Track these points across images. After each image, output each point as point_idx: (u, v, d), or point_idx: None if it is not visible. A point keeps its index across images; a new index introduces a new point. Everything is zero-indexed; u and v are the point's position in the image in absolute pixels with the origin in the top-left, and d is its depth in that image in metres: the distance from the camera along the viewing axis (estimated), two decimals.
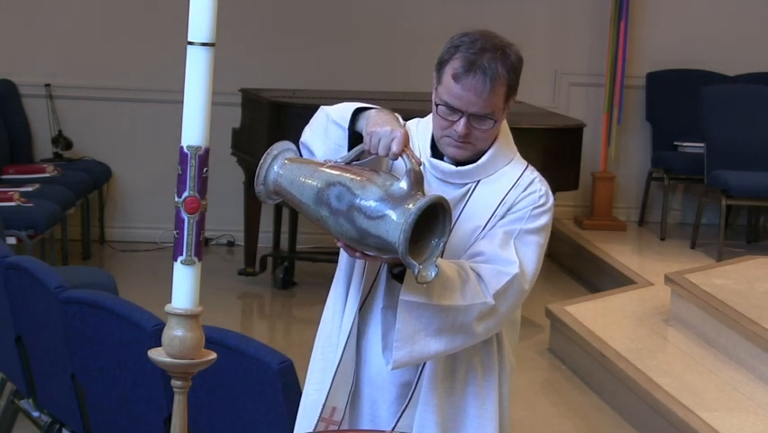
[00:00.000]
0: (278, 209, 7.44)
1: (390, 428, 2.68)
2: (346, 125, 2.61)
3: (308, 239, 7.87)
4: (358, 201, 2.38)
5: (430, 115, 2.79)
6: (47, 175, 7.40)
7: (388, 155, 2.49)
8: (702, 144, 7.81)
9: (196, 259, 1.90)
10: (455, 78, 2.62)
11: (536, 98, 7.90)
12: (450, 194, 2.69)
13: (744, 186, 7.45)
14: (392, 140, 2.47)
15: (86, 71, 8.10)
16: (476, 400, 2.73)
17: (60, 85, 8.10)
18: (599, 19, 8.42)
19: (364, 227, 2.37)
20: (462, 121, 2.64)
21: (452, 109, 2.64)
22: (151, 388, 3.02)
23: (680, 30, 8.49)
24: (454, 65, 2.63)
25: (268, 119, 6.98)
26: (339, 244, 2.52)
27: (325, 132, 2.67)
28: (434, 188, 2.70)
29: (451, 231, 2.51)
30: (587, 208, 8.45)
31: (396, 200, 2.39)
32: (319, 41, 8.18)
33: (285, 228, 7.45)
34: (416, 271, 2.37)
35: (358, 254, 2.51)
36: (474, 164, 2.72)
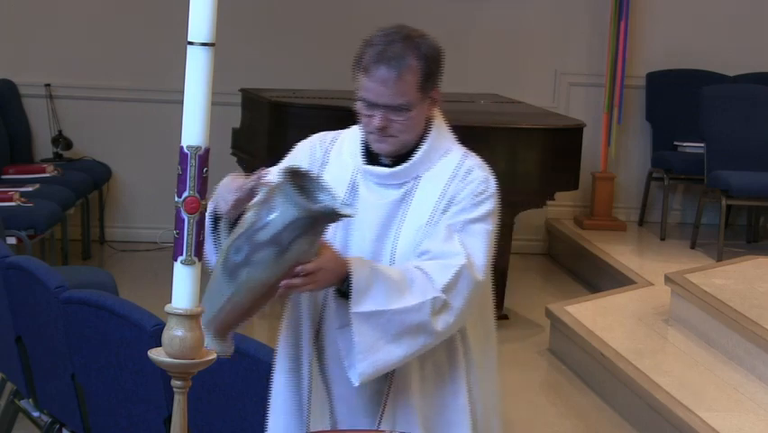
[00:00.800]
0: None
1: None
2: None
3: None
4: (248, 234, 2.34)
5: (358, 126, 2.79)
6: (47, 175, 7.40)
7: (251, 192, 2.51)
8: (702, 144, 7.81)
9: (196, 259, 1.90)
10: (365, 71, 2.65)
11: (536, 98, 7.90)
12: (390, 196, 2.70)
13: (744, 186, 7.45)
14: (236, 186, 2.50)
15: (86, 71, 8.10)
16: (450, 394, 2.73)
17: (60, 85, 8.10)
18: (599, 19, 8.42)
19: (272, 236, 2.32)
20: (378, 114, 2.65)
21: (368, 104, 2.66)
22: (151, 388, 3.02)
23: (680, 30, 8.49)
24: (364, 60, 2.66)
25: (268, 119, 6.97)
26: (282, 290, 2.46)
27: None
28: (374, 194, 2.71)
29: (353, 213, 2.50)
30: (587, 208, 8.45)
31: (266, 203, 2.38)
32: (319, 41, 8.18)
33: None
34: (338, 206, 2.35)
35: (299, 282, 2.45)
36: (409, 162, 2.71)
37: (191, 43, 1.85)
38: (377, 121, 2.65)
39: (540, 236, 8.46)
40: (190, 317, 1.91)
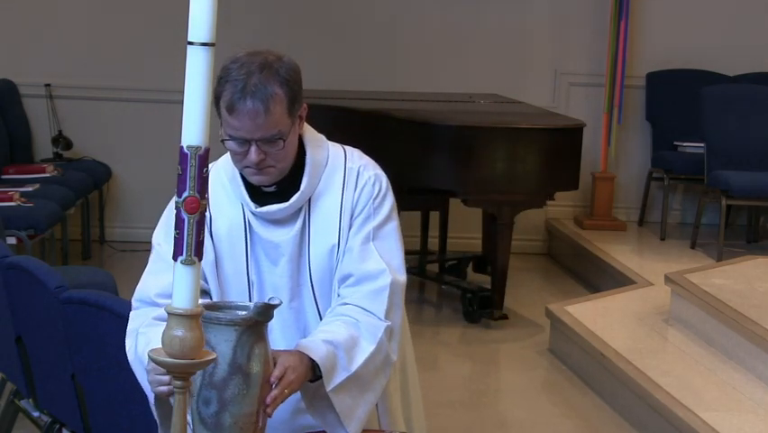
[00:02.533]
0: None
1: None
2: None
3: None
4: (205, 382, 2.25)
5: (226, 164, 2.71)
6: (47, 175, 7.40)
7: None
8: (702, 144, 7.80)
9: (196, 259, 1.90)
10: (229, 110, 2.54)
11: (536, 98, 7.90)
12: (291, 231, 2.67)
13: (744, 186, 7.45)
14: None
15: (86, 71, 8.10)
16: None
17: (60, 85, 8.10)
18: (599, 19, 8.42)
19: (228, 366, 2.23)
20: (253, 149, 2.57)
21: (239, 141, 2.57)
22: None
23: (680, 30, 8.49)
24: (225, 98, 2.54)
25: None
26: (270, 409, 2.37)
27: None
28: (274, 233, 2.66)
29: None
30: (587, 208, 8.45)
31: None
32: (319, 41, 8.18)
33: None
34: (262, 302, 2.28)
35: (278, 392, 2.38)
36: (299, 192, 2.66)
37: (191, 43, 1.85)
38: (253, 156, 2.57)
39: (540, 236, 8.46)
40: (190, 317, 1.91)
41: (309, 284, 2.68)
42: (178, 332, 1.90)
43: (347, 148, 2.78)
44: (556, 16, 8.45)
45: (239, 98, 2.52)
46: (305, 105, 2.66)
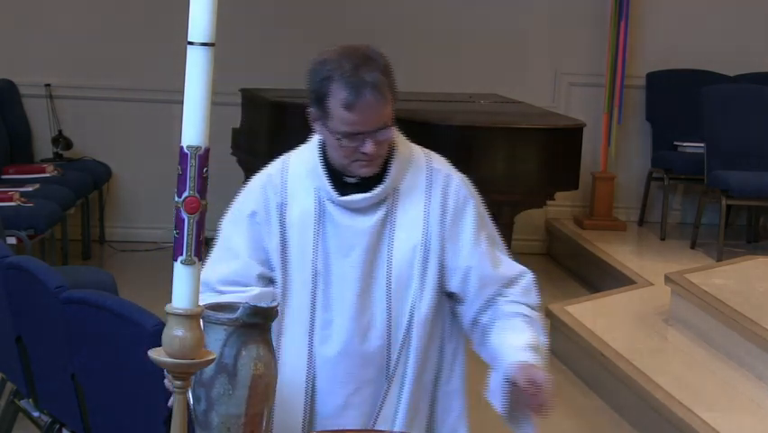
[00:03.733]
0: None
1: None
2: None
3: None
4: (196, 380, 2.23)
5: (309, 150, 2.76)
6: (47, 175, 7.40)
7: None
8: (702, 144, 7.81)
9: (196, 259, 1.90)
10: (348, 107, 2.59)
11: (536, 98, 7.90)
12: (370, 220, 2.69)
13: (744, 186, 7.45)
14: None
15: (86, 71, 8.10)
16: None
17: (60, 85, 8.10)
18: (599, 19, 8.42)
19: (215, 366, 2.21)
20: (368, 142, 2.61)
21: (353, 135, 2.61)
22: (151, 388, 3.01)
23: (680, 30, 8.49)
24: (340, 96, 2.59)
25: (268, 119, 6.98)
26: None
27: None
28: (354, 220, 2.69)
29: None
30: (587, 208, 8.45)
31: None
32: (319, 41, 8.12)
33: None
34: (256, 304, 2.28)
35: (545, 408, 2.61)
36: (386, 181, 2.69)
37: (191, 43, 1.85)
38: (369, 148, 2.61)
39: (540, 236, 8.46)
40: (190, 317, 1.91)
41: (386, 278, 2.69)
42: (178, 332, 1.90)
43: (425, 149, 2.81)
44: (556, 16, 8.45)
45: (357, 94, 2.58)
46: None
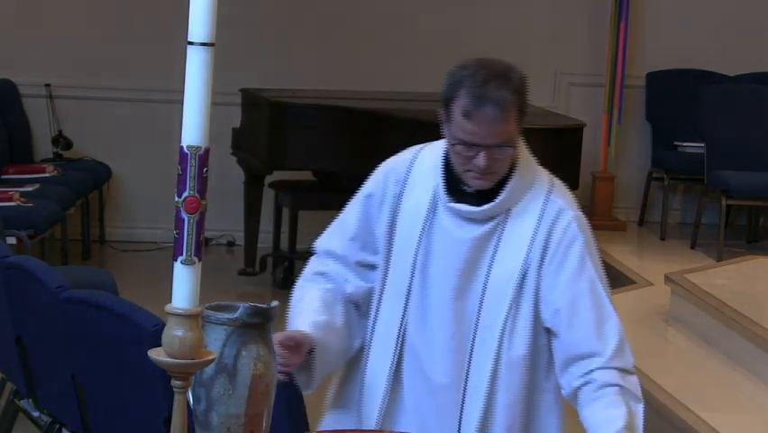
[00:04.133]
0: (278, 209, 7.43)
1: None
2: None
3: (308, 239, 7.84)
4: (197, 379, 2.20)
5: (439, 147, 2.77)
6: (47, 175, 7.40)
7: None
8: (702, 144, 7.81)
9: (196, 259, 1.90)
10: (466, 115, 2.60)
11: (536, 98, 7.84)
12: (476, 231, 2.69)
13: (744, 186, 7.45)
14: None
15: (86, 71, 8.10)
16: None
17: (60, 85, 8.10)
18: (599, 19, 8.42)
19: (215, 365, 2.19)
20: (482, 155, 2.62)
21: (469, 145, 2.62)
22: (151, 388, 3.01)
23: (680, 30, 8.49)
24: (462, 103, 2.61)
25: (268, 119, 6.97)
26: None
27: None
28: (459, 229, 2.70)
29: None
30: (587, 208, 8.42)
31: None
32: (319, 41, 8.18)
33: (285, 228, 7.45)
34: (256, 305, 2.30)
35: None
36: (496, 201, 2.69)
37: (191, 43, 1.84)
38: (482, 162, 2.62)
39: None
40: (190, 317, 1.91)
41: (480, 293, 2.69)
42: (178, 332, 1.90)
43: (555, 179, 2.81)
44: (556, 16, 8.45)
45: (477, 105, 2.59)
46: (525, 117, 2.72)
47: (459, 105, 2.61)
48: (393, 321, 2.75)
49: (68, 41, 8.09)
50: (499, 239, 2.70)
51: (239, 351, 2.21)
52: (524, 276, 2.68)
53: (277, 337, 2.50)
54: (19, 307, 3.73)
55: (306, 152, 6.86)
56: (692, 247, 7.75)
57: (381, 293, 2.78)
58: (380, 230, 2.79)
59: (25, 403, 3.93)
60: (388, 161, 2.86)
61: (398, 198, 2.78)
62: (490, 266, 2.68)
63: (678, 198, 8.65)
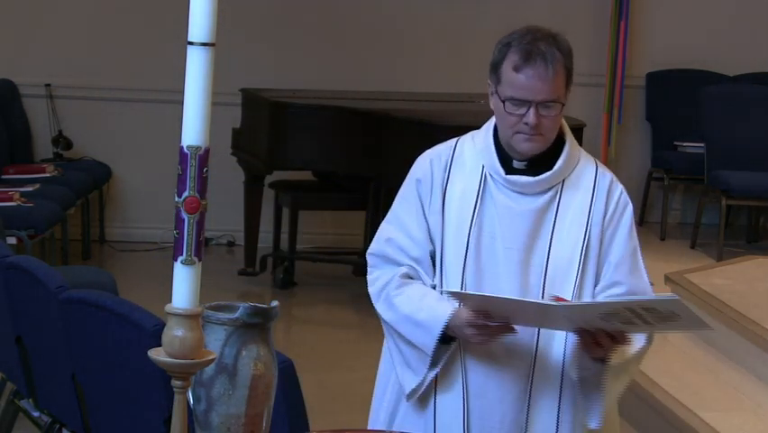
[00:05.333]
0: (278, 209, 7.43)
1: None
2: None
3: (308, 239, 7.87)
4: (197, 380, 2.19)
5: (484, 130, 2.79)
6: (47, 175, 7.40)
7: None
8: (702, 144, 7.81)
9: (196, 259, 1.90)
10: (516, 69, 2.64)
11: None
12: (534, 203, 2.71)
13: (744, 186, 7.45)
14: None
15: (86, 71, 8.10)
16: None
17: (60, 85, 8.10)
18: (599, 19, 8.42)
19: (215, 366, 2.17)
20: (531, 111, 2.64)
21: (519, 102, 2.65)
22: (151, 388, 3.02)
23: (680, 30, 8.49)
24: (512, 58, 2.65)
25: (268, 119, 6.97)
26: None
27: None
28: (516, 202, 2.72)
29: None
30: None
31: None
32: (319, 41, 8.18)
33: (285, 228, 7.45)
34: (256, 305, 2.30)
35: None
36: (551, 171, 2.72)
37: (191, 43, 1.84)
38: (531, 118, 2.64)
39: None
40: (190, 317, 1.91)
41: (542, 265, 2.72)
42: (178, 332, 1.90)
43: (597, 161, 2.88)
44: (556, 16, 8.44)
45: (527, 59, 2.62)
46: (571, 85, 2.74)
47: (509, 62, 2.65)
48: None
49: (68, 41, 8.09)
50: (557, 211, 2.73)
51: (239, 351, 2.21)
52: (587, 248, 2.73)
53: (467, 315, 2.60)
54: (19, 307, 3.73)
55: (306, 152, 6.86)
56: (692, 247, 7.75)
57: (440, 284, 2.76)
58: (432, 218, 2.78)
59: (25, 403, 3.93)
60: (429, 150, 2.86)
61: (445, 184, 2.78)
62: (550, 240, 2.70)
63: (678, 198, 8.66)
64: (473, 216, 2.73)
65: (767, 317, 5.29)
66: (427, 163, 2.82)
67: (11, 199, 6.56)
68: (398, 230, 2.81)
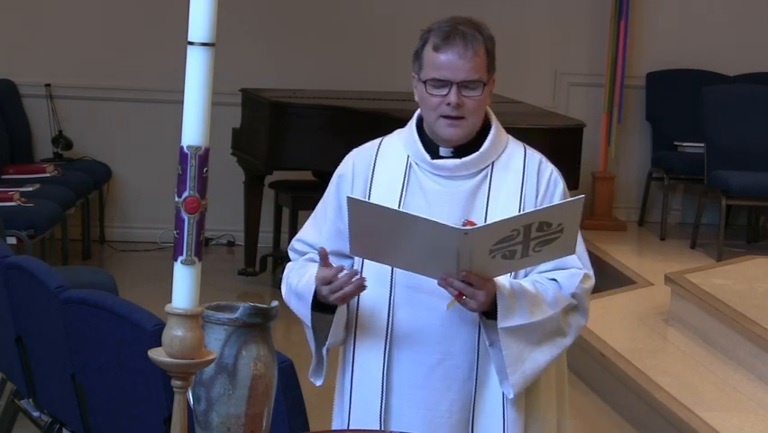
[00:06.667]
0: (278, 209, 7.43)
1: None
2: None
3: None
4: (197, 380, 2.19)
5: (409, 123, 2.80)
6: (47, 175, 7.40)
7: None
8: (702, 144, 7.81)
9: (196, 259, 1.90)
10: (436, 49, 2.66)
11: (536, 98, 7.90)
12: (464, 186, 2.71)
13: (744, 186, 7.45)
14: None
15: (86, 71, 8.10)
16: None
17: (60, 85, 8.10)
18: (599, 19, 8.42)
19: (215, 365, 2.17)
20: (453, 90, 2.66)
21: (440, 82, 2.66)
22: (151, 388, 3.02)
23: (680, 30, 8.49)
24: (432, 41, 2.67)
25: (268, 119, 6.97)
26: (458, 294, 2.58)
27: None
28: (443, 187, 2.72)
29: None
30: (587, 208, 8.43)
31: None
32: (319, 41, 8.18)
33: (285, 228, 7.45)
34: (256, 305, 2.30)
35: (468, 290, 2.57)
36: (479, 151, 2.73)
37: (191, 43, 1.84)
38: (452, 97, 2.65)
39: None
40: (190, 317, 1.91)
41: None
42: (178, 332, 1.90)
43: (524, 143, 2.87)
44: (556, 16, 8.45)
45: (446, 38, 2.65)
46: (494, 76, 2.75)
47: (429, 45, 2.68)
48: (379, 305, 2.73)
49: (69, 41, 8.10)
50: (489, 193, 2.72)
51: (239, 351, 2.21)
52: None
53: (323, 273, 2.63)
54: (19, 307, 3.73)
55: (306, 152, 6.86)
56: (692, 247, 7.75)
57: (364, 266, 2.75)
58: None
59: (25, 403, 3.93)
60: (354, 149, 2.88)
61: (369, 177, 2.79)
62: (485, 221, 2.68)
63: (678, 198, 8.65)
64: (399, 204, 2.72)
65: (767, 317, 5.29)
66: (350, 161, 2.84)
67: (11, 199, 6.56)
68: (312, 227, 2.88)
